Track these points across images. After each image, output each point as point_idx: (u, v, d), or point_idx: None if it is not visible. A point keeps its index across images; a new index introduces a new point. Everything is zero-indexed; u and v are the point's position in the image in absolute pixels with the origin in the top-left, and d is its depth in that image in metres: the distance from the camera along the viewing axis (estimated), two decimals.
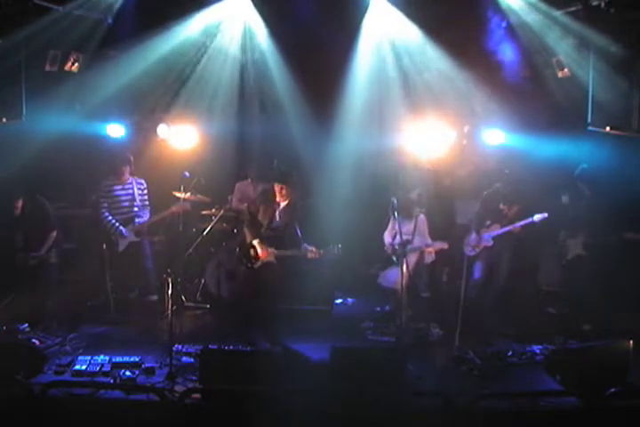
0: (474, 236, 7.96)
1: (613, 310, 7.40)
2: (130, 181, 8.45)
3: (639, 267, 7.53)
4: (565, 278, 8.03)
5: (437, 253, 7.94)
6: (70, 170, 8.83)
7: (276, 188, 7.33)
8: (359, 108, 9.33)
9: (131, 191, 8.43)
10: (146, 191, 8.56)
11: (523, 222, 7.64)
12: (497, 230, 7.82)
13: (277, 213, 7.37)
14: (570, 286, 7.91)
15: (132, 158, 8.41)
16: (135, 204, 8.45)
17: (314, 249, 7.19)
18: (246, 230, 7.41)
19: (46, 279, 7.75)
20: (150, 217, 8.55)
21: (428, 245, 7.87)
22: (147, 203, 8.58)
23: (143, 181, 8.56)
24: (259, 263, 7.31)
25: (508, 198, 7.82)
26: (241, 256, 7.43)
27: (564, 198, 8.00)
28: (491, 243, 7.85)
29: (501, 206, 7.84)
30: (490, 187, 8.03)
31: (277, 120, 9.36)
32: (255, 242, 7.30)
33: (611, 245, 7.51)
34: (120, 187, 8.40)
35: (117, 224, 8.30)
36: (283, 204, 7.37)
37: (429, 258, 7.98)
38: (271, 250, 7.26)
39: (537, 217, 7.56)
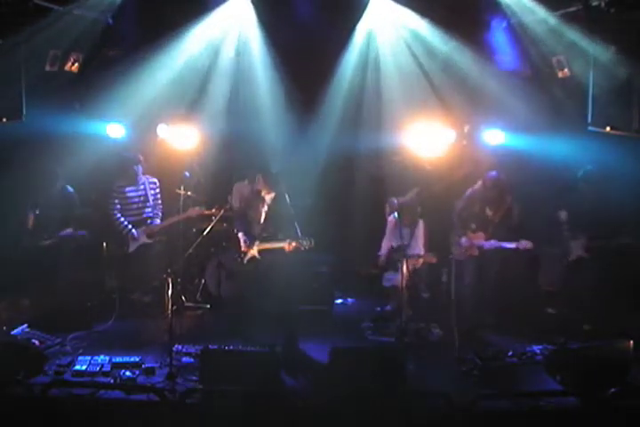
0: (464, 240, 7.75)
1: (613, 310, 7.40)
2: (142, 181, 8.43)
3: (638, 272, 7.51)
4: (566, 280, 8.00)
5: (424, 264, 7.95)
6: (70, 170, 8.81)
7: (259, 182, 7.72)
8: (358, 107, 9.33)
9: (143, 192, 8.43)
10: (158, 190, 8.56)
11: (506, 245, 7.52)
12: (481, 241, 7.68)
13: (264, 209, 7.71)
14: (570, 288, 7.89)
15: (141, 158, 8.40)
16: (148, 204, 8.45)
17: (288, 241, 7.45)
18: (234, 223, 7.91)
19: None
20: (163, 218, 8.56)
21: (419, 256, 7.88)
22: (159, 202, 8.58)
23: (156, 180, 8.56)
24: (247, 257, 7.66)
25: (494, 202, 7.70)
26: (232, 248, 7.88)
27: (563, 215, 7.90)
28: (477, 253, 7.72)
29: (487, 212, 7.71)
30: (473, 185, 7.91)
31: (276, 121, 9.34)
32: (239, 234, 7.74)
33: (612, 249, 7.48)
34: (133, 188, 8.39)
35: (129, 226, 8.28)
36: (268, 198, 7.69)
37: (417, 265, 7.97)
38: (254, 244, 7.63)
39: (522, 244, 7.44)
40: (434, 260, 7.85)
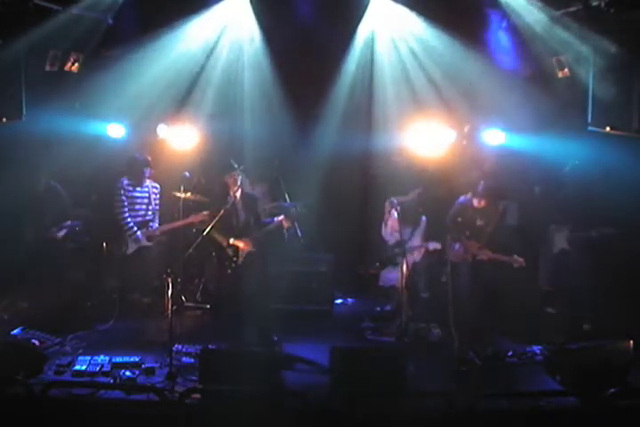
0: (457, 246, 7.72)
1: (613, 309, 7.39)
2: (146, 184, 8.42)
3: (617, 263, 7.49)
4: (552, 273, 7.99)
5: (430, 253, 7.95)
6: (70, 170, 8.82)
7: (228, 180, 7.84)
8: (359, 108, 9.33)
9: (147, 195, 8.41)
10: (159, 195, 8.55)
11: (503, 258, 7.47)
12: (474, 250, 7.61)
13: (237, 207, 7.84)
14: (556, 281, 7.87)
15: (150, 160, 8.40)
16: (150, 207, 8.43)
17: (282, 217, 7.92)
18: (216, 236, 7.80)
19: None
20: (161, 223, 8.55)
21: (421, 246, 7.88)
22: (157, 207, 8.56)
23: (158, 185, 8.54)
24: (241, 258, 7.78)
25: (484, 213, 7.64)
26: (222, 260, 7.90)
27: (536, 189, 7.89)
28: (470, 259, 7.67)
29: (478, 222, 7.64)
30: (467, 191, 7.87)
31: (275, 121, 9.35)
32: (231, 241, 7.82)
33: (595, 239, 7.46)
34: (139, 189, 8.37)
35: (135, 228, 8.25)
36: (237, 195, 7.81)
37: (418, 257, 8.00)
38: (248, 239, 7.81)
39: (515, 261, 7.38)
40: (439, 246, 7.83)
